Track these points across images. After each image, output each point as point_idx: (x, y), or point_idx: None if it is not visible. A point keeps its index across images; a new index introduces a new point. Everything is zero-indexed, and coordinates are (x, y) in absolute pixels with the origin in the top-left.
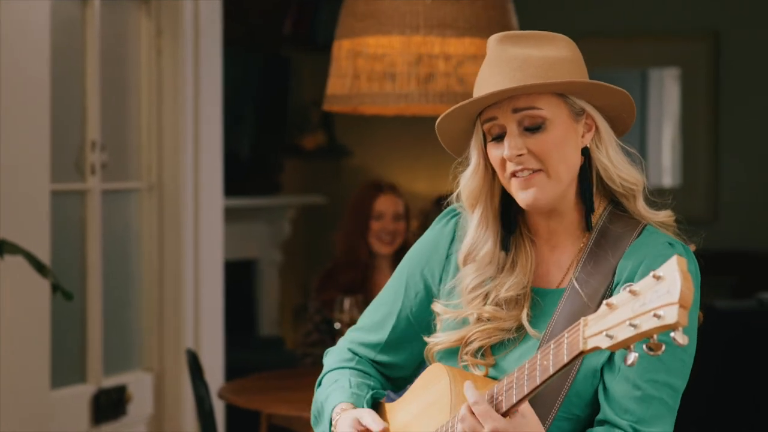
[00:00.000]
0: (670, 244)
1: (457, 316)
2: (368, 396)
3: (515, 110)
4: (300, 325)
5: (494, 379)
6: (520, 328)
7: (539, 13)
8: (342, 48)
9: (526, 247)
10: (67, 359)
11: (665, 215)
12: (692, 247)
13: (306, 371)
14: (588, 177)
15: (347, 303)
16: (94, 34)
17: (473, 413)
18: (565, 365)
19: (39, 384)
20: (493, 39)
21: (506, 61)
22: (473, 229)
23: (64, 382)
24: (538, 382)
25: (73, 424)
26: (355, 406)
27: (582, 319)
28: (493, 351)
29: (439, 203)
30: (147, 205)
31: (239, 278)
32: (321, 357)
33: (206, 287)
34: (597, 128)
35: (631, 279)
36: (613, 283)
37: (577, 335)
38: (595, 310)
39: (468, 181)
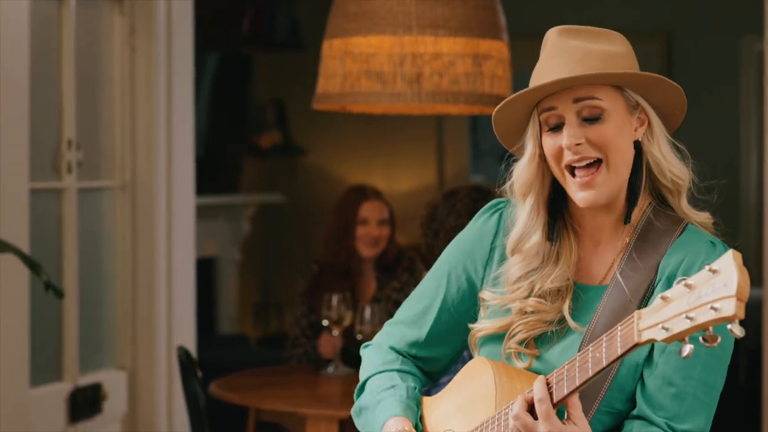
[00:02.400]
0: (711, 243)
1: (503, 303)
2: (419, 412)
3: (576, 100)
4: (260, 323)
5: (538, 372)
6: (562, 320)
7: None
8: (333, 47)
9: (570, 240)
10: (44, 357)
11: (705, 217)
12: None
13: (293, 368)
14: (639, 170)
15: (335, 300)
16: (70, 33)
17: (528, 411)
18: (618, 357)
19: (19, 382)
20: (552, 32)
21: (568, 53)
22: (524, 218)
23: (41, 381)
24: (590, 373)
25: (50, 421)
26: (408, 420)
27: (635, 312)
28: (536, 343)
29: (449, 197)
30: (120, 203)
31: (199, 276)
32: (304, 356)
33: (179, 285)
34: (649, 122)
35: (672, 276)
36: (656, 280)
37: (632, 328)
38: (638, 307)
39: (522, 171)
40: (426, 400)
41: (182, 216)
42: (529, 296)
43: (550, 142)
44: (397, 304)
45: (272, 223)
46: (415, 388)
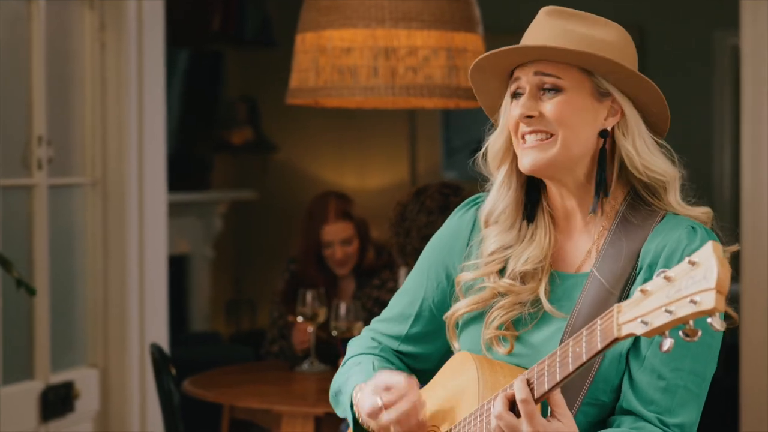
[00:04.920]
0: (692, 227)
1: (475, 278)
2: None
3: (536, 73)
4: (232, 321)
5: (521, 357)
6: (536, 302)
7: None
8: (305, 42)
9: (546, 224)
10: (16, 355)
11: (702, 211)
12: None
13: (268, 365)
14: (604, 160)
15: (309, 296)
16: (40, 29)
17: (510, 411)
18: (598, 352)
19: None
20: (542, 10)
21: (548, 28)
22: (496, 188)
23: (13, 379)
24: (570, 369)
25: (22, 420)
26: None
27: (615, 305)
28: (514, 326)
29: (418, 195)
30: (91, 200)
31: (171, 274)
32: (281, 353)
33: (151, 282)
34: (624, 115)
35: (654, 263)
36: (637, 267)
37: (611, 322)
38: (620, 296)
39: (494, 141)
40: None
41: (154, 213)
42: (502, 273)
43: (511, 111)
44: (378, 301)
45: (244, 220)
46: (389, 366)
